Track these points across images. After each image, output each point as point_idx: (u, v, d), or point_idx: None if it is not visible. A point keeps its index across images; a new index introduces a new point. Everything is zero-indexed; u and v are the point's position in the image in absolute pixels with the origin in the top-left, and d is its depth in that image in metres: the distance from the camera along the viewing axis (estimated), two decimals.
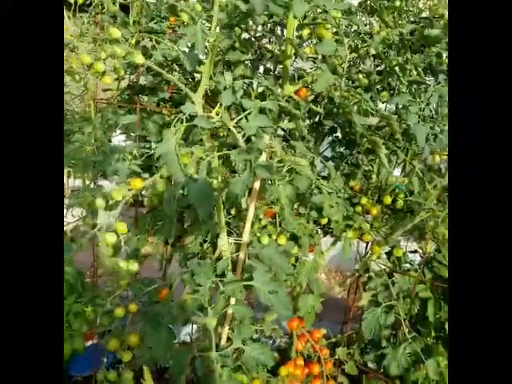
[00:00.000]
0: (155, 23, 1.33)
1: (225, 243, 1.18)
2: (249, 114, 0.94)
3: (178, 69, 1.50)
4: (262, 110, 0.97)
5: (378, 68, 1.56)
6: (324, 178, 1.67)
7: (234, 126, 1.00)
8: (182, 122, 0.92)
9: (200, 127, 0.88)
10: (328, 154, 1.89)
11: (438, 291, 1.80)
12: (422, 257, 1.86)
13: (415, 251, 1.95)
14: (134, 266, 1.05)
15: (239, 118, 0.94)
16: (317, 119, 1.74)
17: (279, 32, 1.45)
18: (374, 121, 1.58)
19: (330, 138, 1.81)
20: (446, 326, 1.69)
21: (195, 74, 1.57)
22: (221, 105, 0.98)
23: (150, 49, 1.34)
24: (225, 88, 1.00)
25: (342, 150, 1.86)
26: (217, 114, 0.99)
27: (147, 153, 1.33)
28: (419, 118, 1.26)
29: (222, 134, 1.09)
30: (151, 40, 1.34)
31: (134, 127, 1.44)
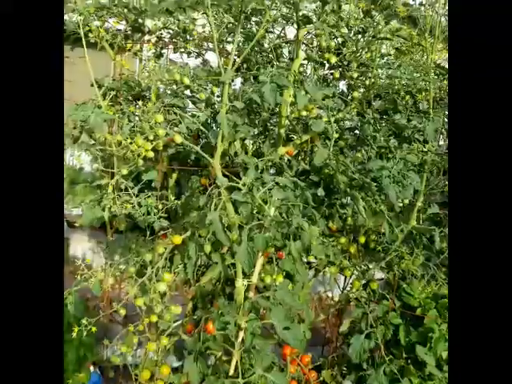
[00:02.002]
0: (178, 100, 1.61)
1: (241, 285, 1.45)
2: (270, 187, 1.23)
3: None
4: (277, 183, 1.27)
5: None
6: (309, 219, 1.98)
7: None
8: (219, 194, 1.20)
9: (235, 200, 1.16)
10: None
11: (407, 317, 2.13)
12: (388, 284, 2.19)
13: (382, 279, 2.27)
14: (178, 310, 1.29)
15: (262, 191, 1.22)
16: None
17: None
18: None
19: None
20: (416, 349, 2.00)
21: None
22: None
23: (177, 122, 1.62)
24: (245, 164, 1.29)
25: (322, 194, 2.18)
26: (243, 185, 1.28)
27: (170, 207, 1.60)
28: (389, 179, 1.60)
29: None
30: (175, 114, 1.61)
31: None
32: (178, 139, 1.35)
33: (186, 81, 1.51)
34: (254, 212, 1.27)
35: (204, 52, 2.15)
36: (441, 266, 1.90)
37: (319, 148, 1.52)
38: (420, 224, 1.94)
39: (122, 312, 1.27)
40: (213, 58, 1.73)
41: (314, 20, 1.57)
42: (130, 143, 1.33)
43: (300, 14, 1.43)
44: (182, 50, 2.10)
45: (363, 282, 2.06)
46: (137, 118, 1.35)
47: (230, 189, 1.34)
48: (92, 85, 1.97)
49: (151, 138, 1.29)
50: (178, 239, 1.28)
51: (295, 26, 1.57)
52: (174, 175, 2.04)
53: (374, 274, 2.04)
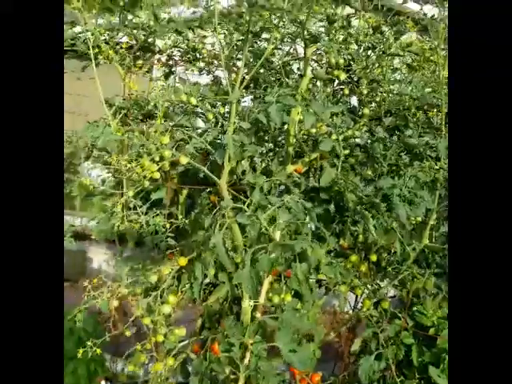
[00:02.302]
0: (186, 120, 1.62)
1: (247, 306, 1.43)
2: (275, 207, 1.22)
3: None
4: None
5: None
6: (319, 237, 1.96)
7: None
8: (223, 217, 1.19)
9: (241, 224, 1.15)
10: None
11: (420, 337, 2.08)
12: (401, 302, 2.14)
13: (394, 296, 2.23)
14: (182, 332, 1.28)
15: (267, 213, 1.22)
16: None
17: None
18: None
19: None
20: (429, 370, 1.95)
21: None
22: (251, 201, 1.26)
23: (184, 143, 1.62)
24: (253, 186, 1.28)
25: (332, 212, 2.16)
26: (248, 206, 1.27)
27: (177, 226, 1.60)
28: (400, 197, 1.57)
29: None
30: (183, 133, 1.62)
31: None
32: (184, 160, 1.35)
33: (193, 101, 1.52)
34: (261, 233, 1.26)
35: (214, 69, 2.17)
36: None
37: (326, 167, 1.50)
38: (433, 242, 1.90)
39: (128, 333, 1.27)
40: (224, 74, 1.74)
41: (323, 37, 1.57)
42: (136, 166, 1.33)
43: (306, 32, 1.43)
44: (193, 68, 2.13)
45: (374, 300, 2.02)
46: (144, 139, 1.35)
47: (237, 209, 1.34)
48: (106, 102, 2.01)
49: (157, 159, 1.29)
50: (183, 261, 1.28)
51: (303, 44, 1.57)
52: (185, 192, 2.05)
53: (387, 293, 2.00)
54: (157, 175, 1.34)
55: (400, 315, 2.09)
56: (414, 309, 2.09)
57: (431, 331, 2.04)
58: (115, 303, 1.15)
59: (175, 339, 1.32)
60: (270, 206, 1.24)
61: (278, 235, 1.49)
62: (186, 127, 1.60)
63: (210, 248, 1.17)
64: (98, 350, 1.23)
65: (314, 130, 1.56)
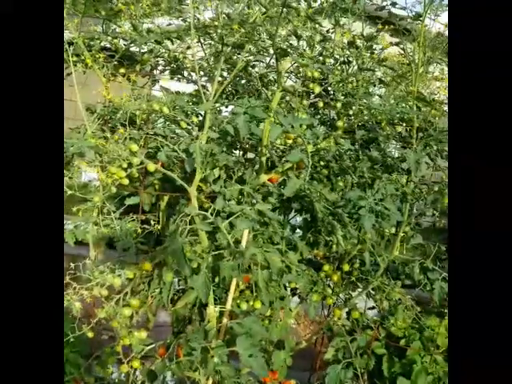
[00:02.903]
0: (160, 128, 1.66)
1: (212, 311, 1.46)
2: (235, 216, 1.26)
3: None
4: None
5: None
6: (291, 248, 1.99)
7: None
8: (185, 223, 1.22)
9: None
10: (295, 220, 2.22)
11: (391, 348, 2.10)
12: (379, 312, 2.17)
13: (373, 307, 2.25)
14: (142, 335, 1.31)
15: (228, 221, 1.25)
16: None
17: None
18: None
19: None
20: (398, 381, 1.97)
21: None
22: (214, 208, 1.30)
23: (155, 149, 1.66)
24: (219, 193, 1.32)
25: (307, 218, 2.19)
26: (211, 214, 1.30)
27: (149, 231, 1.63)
28: (366, 209, 1.61)
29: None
30: (155, 140, 1.66)
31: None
32: (151, 168, 1.39)
33: (166, 110, 1.56)
34: (223, 241, 1.30)
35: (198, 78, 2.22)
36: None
37: (292, 178, 1.54)
38: (404, 254, 1.93)
39: (90, 335, 1.29)
40: (199, 85, 1.77)
41: (294, 51, 1.62)
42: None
43: (277, 46, 1.48)
44: (175, 77, 2.17)
45: (346, 310, 2.05)
46: (115, 146, 1.39)
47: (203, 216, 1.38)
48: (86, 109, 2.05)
49: (125, 166, 1.33)
50: (147, 266, 1.31)
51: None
52: (166, 198, 2.08)
53: (357, 303, 2.03)
54: (125, 181, 1.38)
55: (372, 325, 2.12)
56: (388, 320, 2.12)
57: (402, 342, 2.07)
58: (77, 305, 1.17)
59: (136, 342, 1.35)
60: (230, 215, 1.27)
61: (244, 242, 1.53)
62: (159, 135, 1.64)
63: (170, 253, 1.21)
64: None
65: (278, 142, 1.60)
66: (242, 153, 1.93)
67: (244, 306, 1.64)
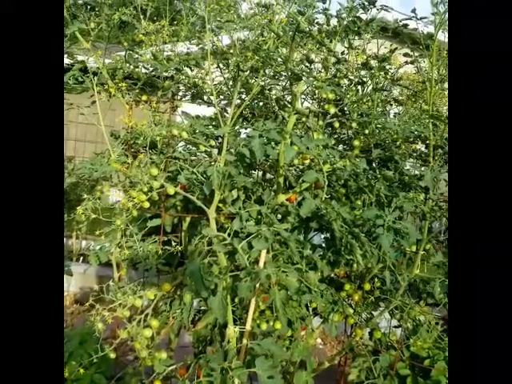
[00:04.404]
0: (180, 152, 1.71)
1: (232, 332, 1.48)
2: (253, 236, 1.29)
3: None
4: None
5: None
6: (312, 267, 1.99)
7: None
8: (203, 244, 1.26)
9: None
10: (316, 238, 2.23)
11: (416, 369, 2.06)
12: (403, 331, 2.13)
13: (398, 326, 2.22)
14: (162, 356, 1.34)
15: (244, 241, 1.28)
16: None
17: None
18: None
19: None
20: None
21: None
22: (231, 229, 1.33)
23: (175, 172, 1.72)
24: (237, 215, 1.35)
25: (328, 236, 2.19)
26: (229, 235, 1.34)
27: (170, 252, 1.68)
28: (384, 228, 1.61)
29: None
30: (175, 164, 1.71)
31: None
32: (171, 191, 1.44)
33: (185, 135, 1.61)
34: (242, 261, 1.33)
35: (219, 102, 2.28)
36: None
37: (307, 198, 1.56)
38: (425, 272, 1.91)
39: (112, 355, 1.33)
40: (216, 109, 1.83)
41: (307, 75, 1.65)
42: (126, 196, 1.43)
43: (289, 71, 1.52)
44: (196, 102, 2.25)
45: (368, 330, 2.03)
46: (137, 171, 1.45)
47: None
48: (111, 135, 2.14)
49: (145, 189, 1.38)
50: (167, 287, 1.35)
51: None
52: (188, 219, 2.13)
53: (379, 322, 2.01)
54: (146, 205, 1.43)
55: (396, 346, 2.08)
56: (411, 340, 2.09)
57: (426, 362, 2.03)
58: (99, 326, 1.21)
59: (157, 363, 1.37)
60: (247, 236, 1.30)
61: (261, 263, 1.55)
62: (179, 159, 1.70)
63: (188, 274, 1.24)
64: (82, 370, 1.29)
65: (296, 162, 1.63)
66: (261, 173, 1.96)
67: (264, 326, 1.65)
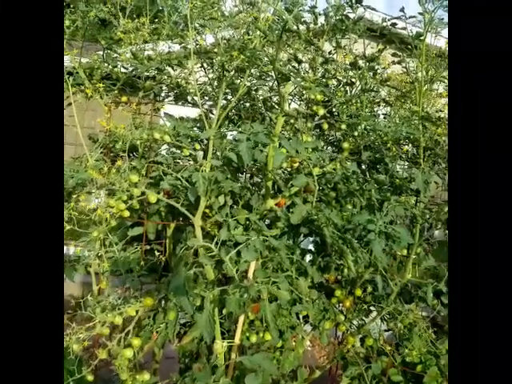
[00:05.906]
0: (162, 156, 1.63)
1: (219, 347, 1.40)
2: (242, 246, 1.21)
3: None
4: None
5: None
6: (302, 273, 1.93)
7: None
8: (189, 256, 1.18)
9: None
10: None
11: (408, 374, 2.01)
12: (394, 336, 2.08)
13: (389, 330, 2.17)
14: (145, 377, 1.25)
15: (233, 252, 1.20)
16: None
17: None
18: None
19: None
20: None
21: None
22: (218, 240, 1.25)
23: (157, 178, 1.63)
24: (224, 223, 1.27)
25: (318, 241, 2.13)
26: (216, 243, 1.26)
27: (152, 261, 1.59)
28: (376, 233, 1.55)
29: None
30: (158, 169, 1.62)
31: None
32: (153, 199, 1.35)
33: (167, 138, 1.53)
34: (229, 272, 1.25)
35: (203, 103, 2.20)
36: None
37: (298, 204, 1.49)
38: (416, 277, 1.87)
39: (90, 378, 1.23)
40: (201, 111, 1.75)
41: (295, 75, 1.59)
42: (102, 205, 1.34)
43: (277, 71, 1.45)
44: (179, 103, 2.16)
45: (359, 336, 1.97)
46: (116, 177, 1.36)
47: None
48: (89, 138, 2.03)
49: (124, 198, 1.29)
50: (149, 301, 1.26)
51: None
52: (172, 226, 2.03)
53: (371, 329, 1.95)
54: (126, 214, 1.34)
55: (388, 352, 2.03)
56: (403, 345, 2.04)
57: (418, 368, 1.98)
58: (75, 347, 1.12)
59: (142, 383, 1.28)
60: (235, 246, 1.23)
61: (251, 273, 1.47)
62: (161, 163, 1.61)
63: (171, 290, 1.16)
64: None
65: (285, 165, 1.56)
66: (248, 176, 1.88)
67: (254, 339, 1.57)
